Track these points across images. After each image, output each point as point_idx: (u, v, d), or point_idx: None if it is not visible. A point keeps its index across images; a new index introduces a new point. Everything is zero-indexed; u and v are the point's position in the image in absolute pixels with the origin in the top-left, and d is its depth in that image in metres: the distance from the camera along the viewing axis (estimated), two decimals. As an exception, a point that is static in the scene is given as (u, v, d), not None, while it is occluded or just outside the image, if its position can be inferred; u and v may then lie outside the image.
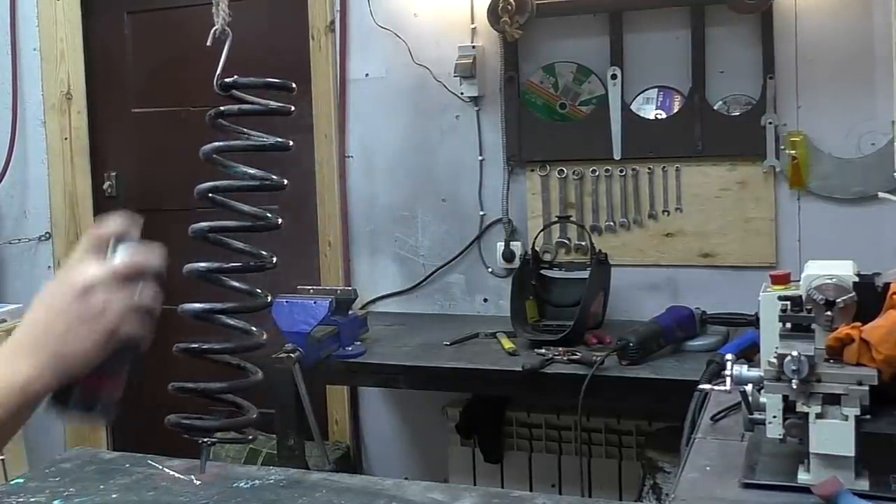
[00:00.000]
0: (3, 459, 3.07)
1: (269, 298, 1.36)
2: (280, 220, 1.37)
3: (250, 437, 1.48)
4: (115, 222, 0.98)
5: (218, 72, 1.39)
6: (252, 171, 1.38)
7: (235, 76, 1.39)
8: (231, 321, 1.34)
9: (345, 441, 3.43)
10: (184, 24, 3.58)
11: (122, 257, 0.96)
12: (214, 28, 1.41)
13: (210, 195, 1.36)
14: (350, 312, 2.85)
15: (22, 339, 0.93)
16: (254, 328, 1.37)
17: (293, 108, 1.41)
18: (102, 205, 3.82)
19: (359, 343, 2.82)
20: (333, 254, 3.43)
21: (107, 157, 3.84)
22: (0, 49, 3.79)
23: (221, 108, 1.39)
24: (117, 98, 3.80)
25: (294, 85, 1.42)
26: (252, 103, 1.41)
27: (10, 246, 3.85)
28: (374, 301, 3.38)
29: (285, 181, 1.39)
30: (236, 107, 1.40)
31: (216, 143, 1.39)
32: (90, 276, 0.93)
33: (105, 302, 0.93)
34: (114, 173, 3.82)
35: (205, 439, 1.32)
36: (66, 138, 3.77)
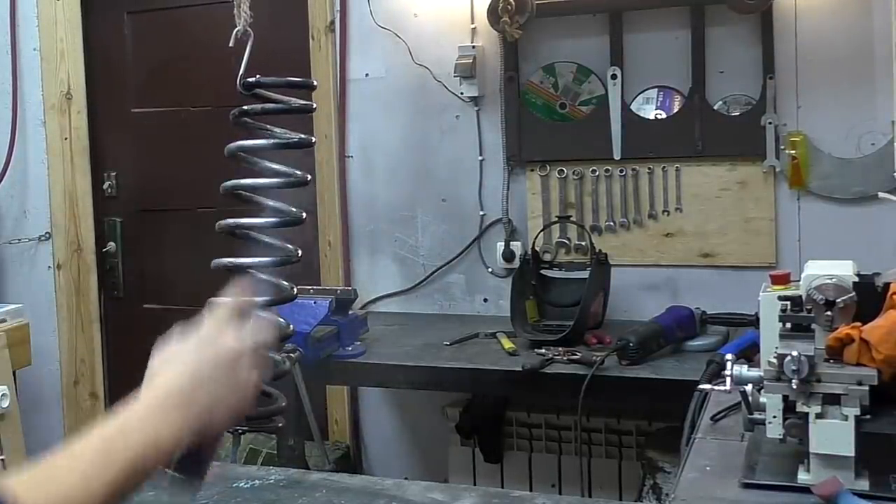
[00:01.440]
0: (3, 459, 3.07)
1: (295, 290, 1.37)
2: (304, 215, 1.37)
3: (280, 424, 1.46)
4: (245, 291, 1.02)
5: (241, 71, 1.40)
6: (278, 167, 1.38)
7: (258, 76, 1.39)
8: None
9: (345, 441, 3.43)
10: (184, 23, 3.58)
11: (259, 330, 0.99)
12: (237, 29, 1.41)
13: (236, 192, 1.37)
14: (350, 312, 2.85)
15: (166, 401, 0.93)
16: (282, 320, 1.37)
17: (315, 106, 1.42)
18: (102, 205, 3.82)
19: (359, 343, 2.82)
20: (333, 254, 3.43)
21: (107, 157, 3.84)
22: (0, 49, 3.79)
23: (245, 107, 1.39)
24: (117, 98, 3.80)
25: (316, 83, 1.43)
26: (275, 101, 1.42)
27: (10, 246, 3.85)
28: (374, 301, 3.38)
29: (308, 176, 1.39)
30: (260, 106, 1.40)
31: (241, 142, 1.39)
32: (238, 349, 0.96)
33: (250, 374, 0.96)
34: (114, 173, 3.82)
35: (235, 427, 1.32)
36: (66, 138, 3.77)
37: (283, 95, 1.45)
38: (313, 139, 1.40)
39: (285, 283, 1.38)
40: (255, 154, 1.41)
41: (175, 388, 0.93)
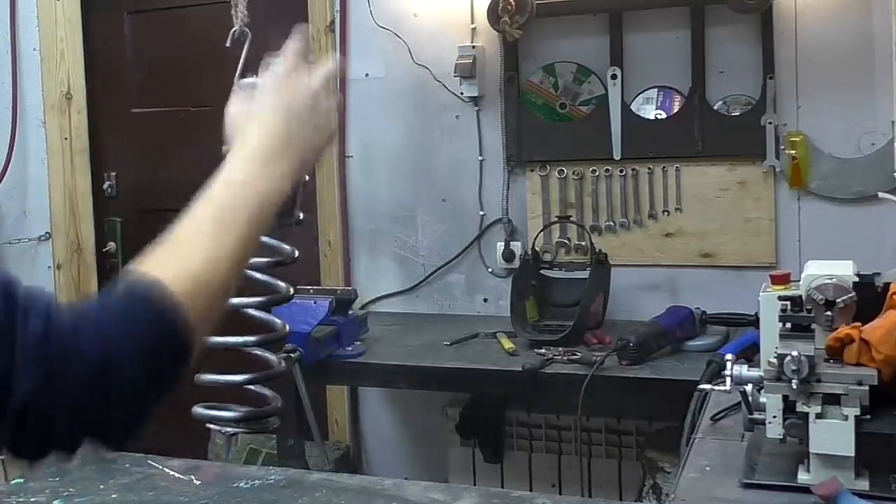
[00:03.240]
0: (3, 459, 3.07)
1: (292, 291, 1.36)
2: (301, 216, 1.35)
3: (275, 425, 1.45)
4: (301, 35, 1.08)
5: (238, 71, 1.39)
6: None
7: (254, 76, 1.38)
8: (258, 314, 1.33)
9: (345, 441, 3.43)
10: (184, 23, 3.58)
11: (325, 66, 1.06)
12: (233, 29, 1.41)
13: None
14: (350, 312, 2.85)
15: (268, 153, 0.96)
16: (277, 320, 1.36)
17: None
18: (102, 205, 3.82)
19: (359, 343, 2.82)
20: (333, 254, 3.43)
21: (107, 157, 3.84)
22: (0, 49, 3.79)
23: None
24: (117, 98, 3.80)
25: None
26: None
27: (9, 246, 3.85)
28: (374, 301, 3.38)
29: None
30: None
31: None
32: (314, 88, 1.03)
33: (328, 108, 1.03)
34: (114, 173, 3.82)
35: (227, 429, 1.31)
36: (66, 138, 3.77)
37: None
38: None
39: (282, 283, 1.36)
40: None
41: (272, 138, 0.97)
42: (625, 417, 2.97)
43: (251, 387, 1.33)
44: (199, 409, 1.30)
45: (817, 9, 2.86)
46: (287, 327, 1.35)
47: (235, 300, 1.32)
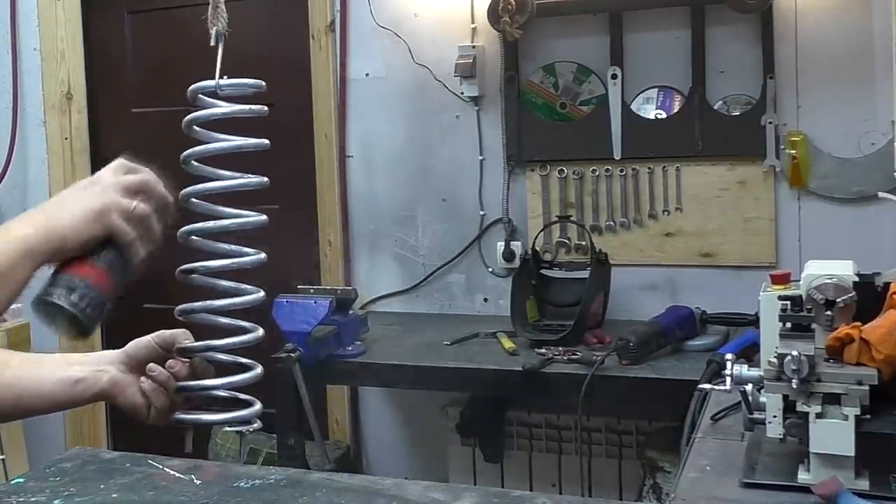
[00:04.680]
0: (3, 459, 3.07)
1: (262, 293, 1.33)
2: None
3: (253, 427, 1.42)
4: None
5: (217, 75, 1.38)
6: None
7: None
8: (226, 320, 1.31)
9: (345, 441, 3.43)
10: (184, 24, 3.58)
11: (131, 171, 1.13)
12: (217, 29, 1.39)
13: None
14: (350, 312, 2.85)
15: (25, 215, 1.06)
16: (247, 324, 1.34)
17: (266, 109, 1.34)
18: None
19: (359, 343, 2.82)
20: (333, 254, 3.43)
21: (107, 157, 3.80)
22: (0, 49, 3.79)
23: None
24: (117, 98, 3.80)
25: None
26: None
27: (10, 246, 3.84)
28: (374, 301, 3.38)
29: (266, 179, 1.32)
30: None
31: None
32: (97, 175, 1.12)
33: (103, 189, 1.09)
34: (114, 173, 3.82)
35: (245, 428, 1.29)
36: (66, 138, 3.77)
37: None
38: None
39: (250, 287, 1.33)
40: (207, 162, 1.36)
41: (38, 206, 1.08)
42: (625, 417, 2.97)
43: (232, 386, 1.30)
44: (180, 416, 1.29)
45: (817, 9, 2.86)
46: (260, 331, 1.32)
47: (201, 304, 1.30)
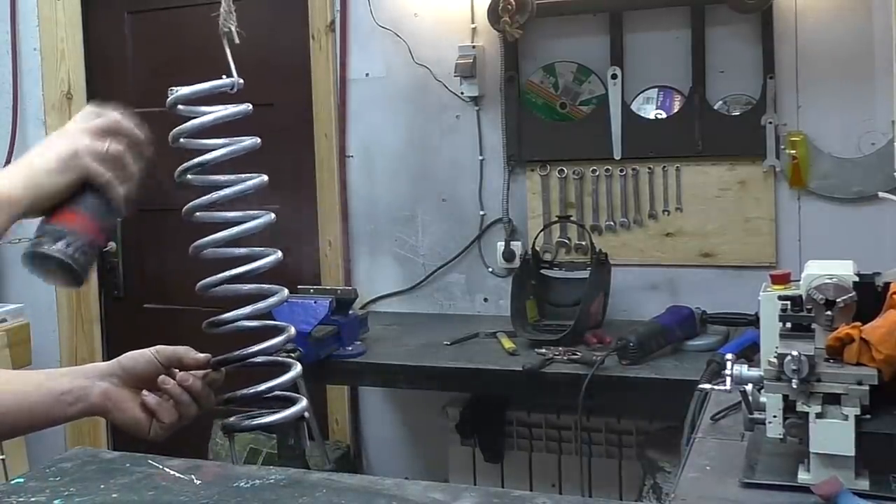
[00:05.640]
0: (3, 459, 3.07)
1: (286, 291, 1.35)
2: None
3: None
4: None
5: (233, 72, 1.37)
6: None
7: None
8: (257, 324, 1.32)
9: (345, 441, 3.43)
10: (184, 24, 3.58)
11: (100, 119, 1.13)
12: (233, 28, 1.39)
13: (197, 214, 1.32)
14: (350, 312, 2.85)
15: (9, 166, 1.08)
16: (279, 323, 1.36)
17: (250, 107, 1.34)
18: (102, 205, 3.81)
19: (359, 343, 2.82)
20: (333, 254, 3.43)
21: (107, 156, 3.83)
22: (0, 49, 3.79)
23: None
24: (117, 98, 3.72)
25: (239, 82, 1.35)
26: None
27: (10, 246, 3.84)
28: (374, 301, 3.38)
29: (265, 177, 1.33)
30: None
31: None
32: (68, 125, 1.11)
33: (72, 134, 1.09)
34: (114, 173, 3.82)
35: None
36: (66, 138, 3.76)
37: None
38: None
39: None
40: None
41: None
42: (625, 417, 2.97)
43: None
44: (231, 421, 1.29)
45: (817, 9, 2.86)
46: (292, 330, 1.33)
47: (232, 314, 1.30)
